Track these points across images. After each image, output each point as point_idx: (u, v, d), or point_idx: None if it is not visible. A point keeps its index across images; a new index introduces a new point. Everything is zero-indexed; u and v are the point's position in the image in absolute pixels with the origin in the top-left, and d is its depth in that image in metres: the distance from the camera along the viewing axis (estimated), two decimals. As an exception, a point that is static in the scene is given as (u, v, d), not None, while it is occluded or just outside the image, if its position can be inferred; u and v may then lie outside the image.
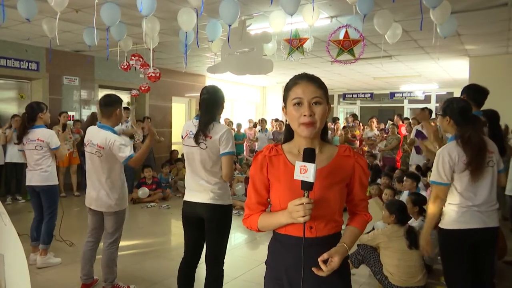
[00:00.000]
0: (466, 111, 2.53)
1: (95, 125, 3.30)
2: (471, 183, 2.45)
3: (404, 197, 4.70)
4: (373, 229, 3.94)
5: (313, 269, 1.42)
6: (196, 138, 2.60)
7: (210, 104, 2.65)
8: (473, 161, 2.41)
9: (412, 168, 5.92)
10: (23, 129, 3.94)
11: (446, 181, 2.49)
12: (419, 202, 3.98)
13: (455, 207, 2.49)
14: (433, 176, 2.56)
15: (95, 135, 3.20)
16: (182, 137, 2.76)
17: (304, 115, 1.44)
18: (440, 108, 2.72)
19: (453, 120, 2.54)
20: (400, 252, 3.28)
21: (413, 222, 3.98)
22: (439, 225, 2.60)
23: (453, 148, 2.48)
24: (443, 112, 2.60)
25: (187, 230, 2.79)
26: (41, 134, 3.91)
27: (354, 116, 11.51)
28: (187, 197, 2.74)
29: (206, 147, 2.60)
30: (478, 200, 2.46)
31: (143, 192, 7.16)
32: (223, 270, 2.74)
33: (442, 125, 2.66)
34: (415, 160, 6.70)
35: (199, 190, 2.66)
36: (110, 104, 3.26)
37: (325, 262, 1.43)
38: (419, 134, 8.24)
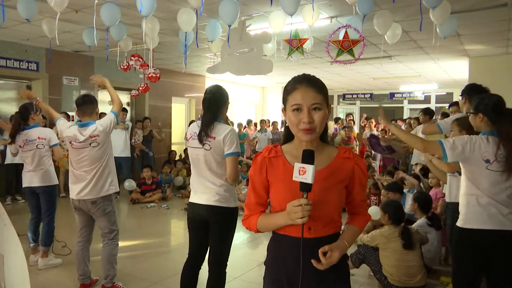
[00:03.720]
0: (499, 106, 2.43)
1: None
2: (501, 180, 2.34)
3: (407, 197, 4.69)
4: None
5: (312, 261, 1.43)
6: (200, 138, 2.58)
7: (213, 103, 2.64)
8: (511, 157, 2.29)
9: (416, 169, 5.85)
10: (17, 128, 3.88)
11: (447, 153, 2.36)
12: (420, 200, 3.96)
13: (473, 205, 2.40)
14: (445, 140, 2.44)
15: (81, 131, 3.21)
16: (186, 139, 2.75)
17: (303, 122, 1.43)
18: (472, 106, 2.58)
19: (487, 116, 2.43)
20: (399, 253, 3.29)
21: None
22: (457, 223, 2.51)
23: (482, 141, 2.37)
24: (475, 109, 2.50)
25: (192, 231, 2.77)
26: (40, 132, 3.90)
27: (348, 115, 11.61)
28: (193, 199, 2.72)
29: (210, 148, 2.58)
30: (500, 200, 2.36)
31: (129, 184, 7.13)
32: (225, 272, 2.73)
33: (474, 123, 2.54)
34: (415, 159, 6.63)
35: (204, 191, 2.64)
36: (91, 102, 3.31)
37: (325, 255, 1.43)
38: (372, 137, 8.32)
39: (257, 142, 10.46)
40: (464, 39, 6.58)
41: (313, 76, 1.51)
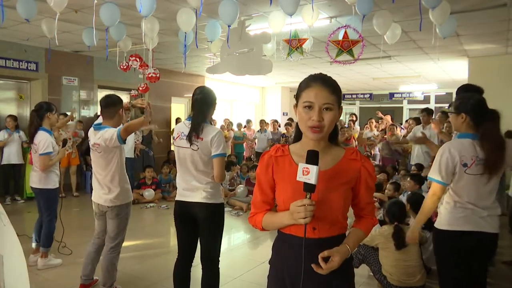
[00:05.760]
0: (484, 107, 2.35)
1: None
2: (481, 183, 2.29)
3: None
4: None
5: (312, 265, 1.42)
6: (190, 138, 2.62)
7: (203, 104, 2.70)
8: (491, 159, 2.24)
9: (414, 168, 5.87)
10: (34, 129, 3.87)
11: (443, 180, 2.33)
12: (412, 200, 3.94)
13: (451, 207, 2.37)
14: (431, 173, 2.41)
15: (93, 133, 3.22)
16: (173, 138, 2.79)
17: (313, 119, 1.43)
18: (452, 105, 2.48)
19: (470, 117, 2.33)
20: (398, 252, 3.29)
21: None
22: (434, 224, 2.50)
23: (456, 145, 2.32)
24: (457, 109, 2.38)
25: (180, 230, 2.81)
26: (37, 138, 3.84)
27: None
28: (179, 197, 2.76)
29: (198, 148, 2.63)
30: (480, 202, 2.32)
31: (149, 193, 7.20)
32: (219, 268, 2.76)
33: (455, 123, 2.43)
34: (416, 159, 6.64)
35: (191, 190, 2.69)
36: (111, 105, 3.22)
37: (326, 260, 1.42)
38: (388, 144, 8.31)
39: (255, 142, 10.47)
40: (464, 39, 6.58)
41: (330, 76, 1.50)
